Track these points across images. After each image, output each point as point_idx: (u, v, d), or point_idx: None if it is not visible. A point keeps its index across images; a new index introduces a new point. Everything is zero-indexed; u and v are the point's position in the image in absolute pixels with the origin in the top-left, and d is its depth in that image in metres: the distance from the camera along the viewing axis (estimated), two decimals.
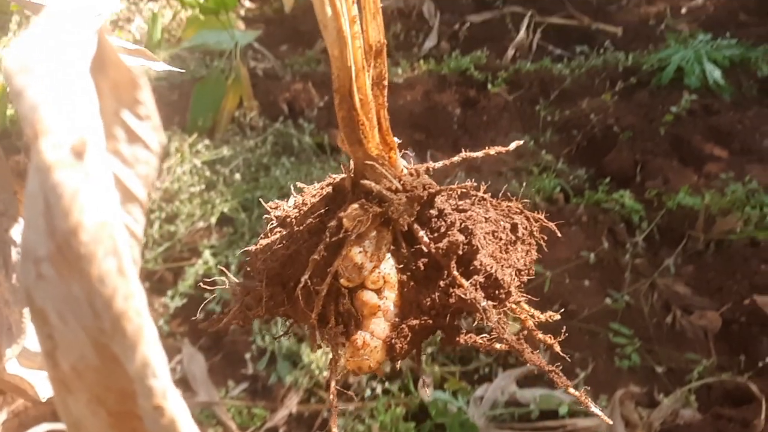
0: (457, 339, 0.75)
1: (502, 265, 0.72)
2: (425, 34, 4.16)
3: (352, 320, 0.73)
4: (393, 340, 0.72)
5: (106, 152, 0.38)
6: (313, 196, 0.80)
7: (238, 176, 2.99)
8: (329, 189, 0.79)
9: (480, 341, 0.75)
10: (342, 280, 0.71)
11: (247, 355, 2.29)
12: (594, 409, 0.73)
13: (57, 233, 0.34)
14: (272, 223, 0.80)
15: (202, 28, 4.01)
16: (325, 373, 2.19)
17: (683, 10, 3.65)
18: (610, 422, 0.78)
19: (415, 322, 0.72)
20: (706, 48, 3.06)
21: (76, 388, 0.38)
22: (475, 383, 2.08)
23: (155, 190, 2.99)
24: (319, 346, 0.76)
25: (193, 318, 2.48)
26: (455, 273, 0.70)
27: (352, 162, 0.74)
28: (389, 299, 0.73)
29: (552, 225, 0.77)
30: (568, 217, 2.58)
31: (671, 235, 2.51)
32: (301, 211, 0.78)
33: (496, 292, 0.72)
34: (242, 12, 4.85)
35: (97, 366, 0.37)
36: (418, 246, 0.72)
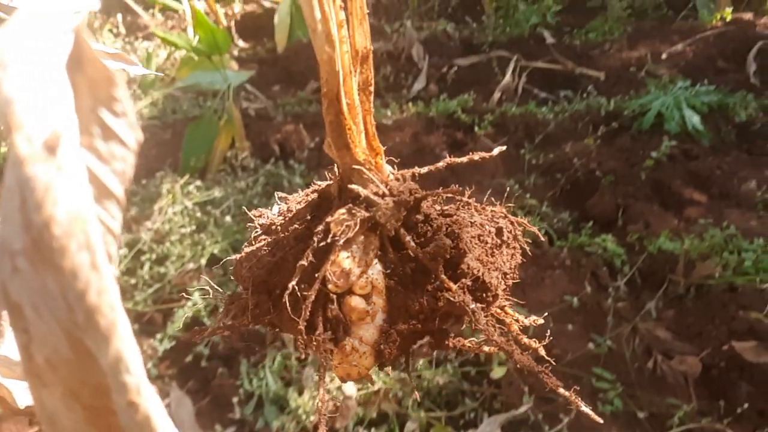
0: (446, 343, 0.74)
1: (489, 269, 0.72)
2: (414, 76, 4.26)
3: (341, 326, 0.72)
4: (382, 346, 0.72)
5: (81, 148, 0.39)
6: (299, 203, 0.80)
7: (228, 218, 3.04)
8: (314, 196, 0.78)
9: (468, 344, 0.75)
10: (330, 286, 0.71)
11: (235, 399, 2.30)
12: (584, 408, 0.75)
13: (32, 227, 0.34)
14: (256, 231, 0.80)
15: (195, 69, 4.10)
16: (312, 418, 2.20)
17: (663, 56, 3.77)
18: (601, 421, 0.79)
19: (403, 326, 0.72)
20: (685, 94, 3.16)
21: (50, 382, 0.38)
22: (460, 429, 2.10)
23: (146, 231, 3.03)
24: (307, 355, 0.74)
25: (183, 360, 2.49)
26: (443, 276, 0.70)
27: (338, 167, 0.74)
28: (377, 305, 0.73)
29: (535, 229, 0.78)
30: (552, 261, 2.64)
31: (653, 279, 2.56)
32: (287, 219, 0.78)
33: (484, 294, 0.72)
34: (236, 52, 4.95)
35: (71, 360, 0.36)
36: (405, 251, 0.72)
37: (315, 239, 0.71)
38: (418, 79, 4.19)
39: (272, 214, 0.81)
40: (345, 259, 0.70)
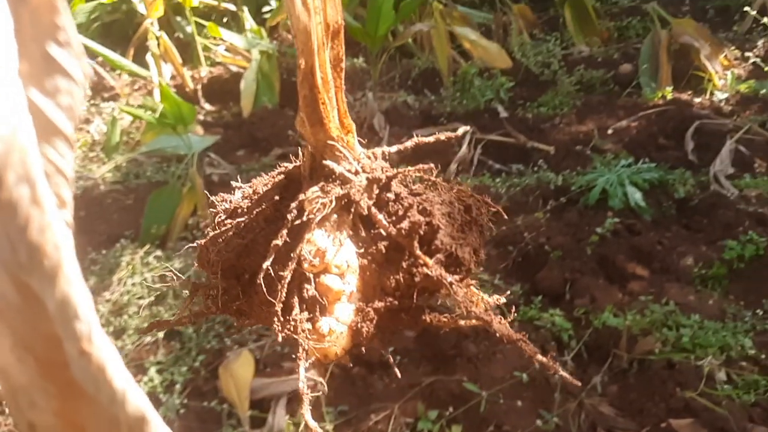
0: (423, 318, 0.73)
1: (461, 244, 0.72)
2: (376, 144, 4.40)
3: (317, 306, 0.69)
4: (359, 325, 0.70)
5: (22, 78, 0.35)
6: (265, 185, 0.77)
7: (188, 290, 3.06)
8: (281, 177, 0.76)
9: (444, 319, 0.74)
10: (306, 266, 0.69)
11: None
12: (561, 372, 0.76)
13: None
14: (220, 216, 0.77)
15: (160, 133, 4.16)
16: None
17: (610, 131, 4.00)
18: (578, 384, 0.81)
19: (380, 304, 0.70)
20: (628, 172, 3.35)
21: None
22: None
23: (104, 302, 3.03)
24: (283, 338, 0.70)
25: None
26: (418, 252, 0.69)
27: (310, 145, 0.72)
28: (352, 284, 0.70)
29: (498, 207, 0.79)
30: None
31: (598, 354, 2.67)
32: (253, 201, 0.75)
33: (458, 269, 0.71)
34: (201, 116, 5.05)
35: (19, 306, 0.34)
36: (377, 230, 0.71)
37: (289, 218, 0.69)
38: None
39: (236, 197, 0.79)
40: (320, 238, 0.69)
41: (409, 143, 0.83)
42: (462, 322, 0.75)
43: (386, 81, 4.91)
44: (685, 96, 4.19)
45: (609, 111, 4.26)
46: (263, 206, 0.74)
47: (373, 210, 0.72)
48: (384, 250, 0.71)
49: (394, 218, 0.72)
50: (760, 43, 4.49)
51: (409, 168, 0.75)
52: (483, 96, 4.37)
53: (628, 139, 3.90)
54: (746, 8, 4.29)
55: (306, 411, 0.67)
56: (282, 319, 0.68)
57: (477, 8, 5.53)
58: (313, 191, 0.70)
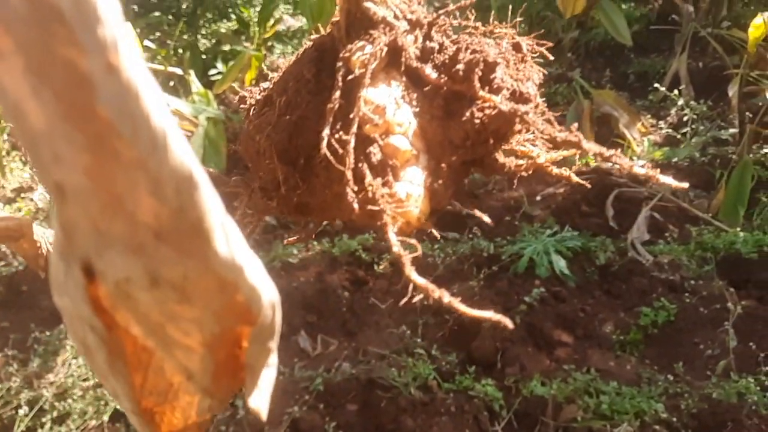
0: (501, 163, 0.70)
1: (521, 80, 0.69)
2: None
3: (388, 170, 0.65)
4: (434, 185, 0.66)
5: None
6: (295, 63, 0.72)
7: None
8: (312, 52, 0.71)
9: (522, 162, 0.69)
10: (368, 127, 0.64)
11: None
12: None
13: None
14: (253, 109, 0.73)
15: None
16: None
17: (538, 198, 4.28)
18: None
19: (452, 158, 0.66)
20: (552, 241, 3.61)
21: (6, 50, 0.28)
22: None
23: (48, 386, 3.05)
24: (361, 213, 0.64)
25: None
26: (482, 93, 0.65)
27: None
28: (417, 143, 0.67)
29: (542, 49, 0.74)
30: (440, 407, 2.89)
31: (527, 422, 2.86)
32: (288, 83, 0.71)
33: (524, 104, 0.67)
34: None
35: (28, 13, 0.28)
36: (428, 85, 0.67)
37: (338, 78, 0.64)
38: None
39: (264, 86, 0.75)
40: (375, 95, 0.65)
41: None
42: (542, 160, 0.70)
43: None
44: (605, 165, 4.53)
45: (538, 177, 4.55)
46: (302, 81, 0.68)
47: (419, 65, 0.67)
48: (442, 103, 0.66)
49: (443, 66, 0.67)
50: (673, 111, 4.90)
51: (449, 7, 0.70)
52: None
53: (555, 205, 4.19)
54: (656, 84, 4.70)
55: (410, 271, 0.63)
56: (355, 188, 0.63)
57: None
58: (358, 45, 0.65)
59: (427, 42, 0.68)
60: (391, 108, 0.64)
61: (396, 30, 0.65)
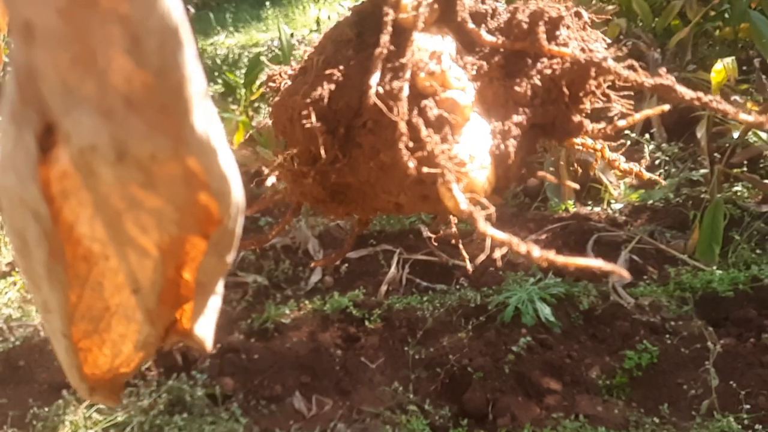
0: (577, 123, 0.62)
1: (588, 42, 0.64)
2: (311, 269, 4.69)
3: (447, 126, 0.57)
4: (500, 147, 0.58)
5: None
6: (334, 29, 0.67)
7: None
8: (352, 17, 0.65)
9: (599, 128, 0.64)
10: (421, 76, 0.57)
11: None
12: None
13: None
14: (286, 82, 0.67)
15: None
16: None
17: None
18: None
19: (519, 119, 0.59)
20: (536, 289, 3.72)
21: None
22: None
23: None
24: (413, 184, 0.56)
25: None
26: (550, 46, 0.59)
27: None
28: (477, 108, 0.60)
29: (597, 18, 0.68)
30: None
31: None
32: (326, 46, 0.65)
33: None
34: None
35: None
36: (483, 49, 0.62)
37: (387, 22, 0.56)
38: (314, 272, 4.61)
39: (292, 66, 0.71)
40: (429, 42, 0.58)
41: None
42: (623, 122, 0.65)
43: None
44: (584, 210, 4.69)
45: (521, 224, 4.70)
46: (344, 39, 0.63)
47: (472, 26, 0.62)
48: (502, 62, 0.61)
49: (497, 30, 0.63)
50: (646, 153, 5.09)
51: None
52: (408, 217, 4.76)
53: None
54: (626, 131, 4.89)
55: (486, 227, 0.56)
56: (410, 144, 0.54)
57: None
58: None
59: (480, 5, 0.64)
60: (446, 59, 0.57)
61: None
